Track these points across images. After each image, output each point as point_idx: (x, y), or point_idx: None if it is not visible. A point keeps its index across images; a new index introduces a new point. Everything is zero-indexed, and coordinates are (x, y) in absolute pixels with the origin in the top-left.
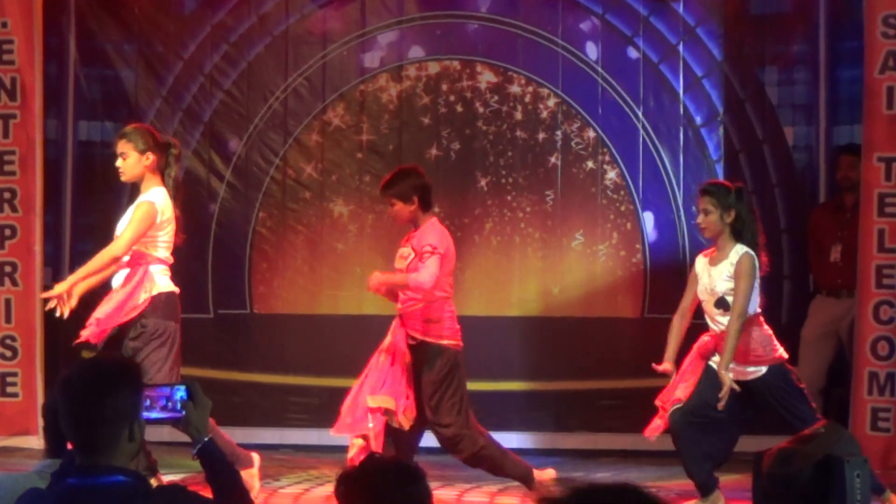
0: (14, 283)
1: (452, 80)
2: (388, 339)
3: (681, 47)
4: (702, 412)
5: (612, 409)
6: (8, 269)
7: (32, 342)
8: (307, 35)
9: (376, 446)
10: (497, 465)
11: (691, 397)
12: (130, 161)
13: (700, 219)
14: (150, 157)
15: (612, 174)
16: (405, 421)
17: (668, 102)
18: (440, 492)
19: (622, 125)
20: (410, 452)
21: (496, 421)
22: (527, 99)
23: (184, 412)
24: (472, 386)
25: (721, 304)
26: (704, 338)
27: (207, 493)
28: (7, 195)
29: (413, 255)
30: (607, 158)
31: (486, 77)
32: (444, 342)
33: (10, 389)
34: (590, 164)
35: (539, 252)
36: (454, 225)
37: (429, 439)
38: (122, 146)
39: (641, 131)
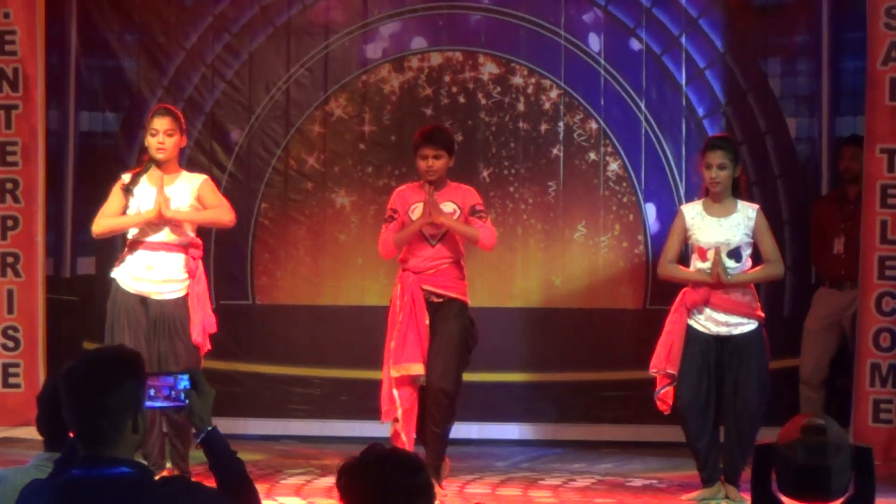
0: (16, 273)
1: (455, 71)
2: (403, 297)
3: (683, 38)
4: (702, 395)
5: (614, 400)
6: (10, 259)
7: (35, 333)
8: (309, 25)
9: (407, 429)
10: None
11: (688, 380)
12: (175, 139)
13: (715, 174)
14: (184, 140)
15: (614, 165)
16: None
17: (671, 94)
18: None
19: (624, 116)
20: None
21: (498, 412)
22: (529, 90)
23: (187, 401)
24: (474, 377)
25: (734, 254)
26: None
27: (211, 483)
28: (9, 185)
29: (458, 211)
30: (610, 150)
31: (489, 68)
32: (468, 301)
33: (12, 380)
34: (592, 155)
35: (541, 243)
36: None
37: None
38: (171, 123)
39: (644, 123)
